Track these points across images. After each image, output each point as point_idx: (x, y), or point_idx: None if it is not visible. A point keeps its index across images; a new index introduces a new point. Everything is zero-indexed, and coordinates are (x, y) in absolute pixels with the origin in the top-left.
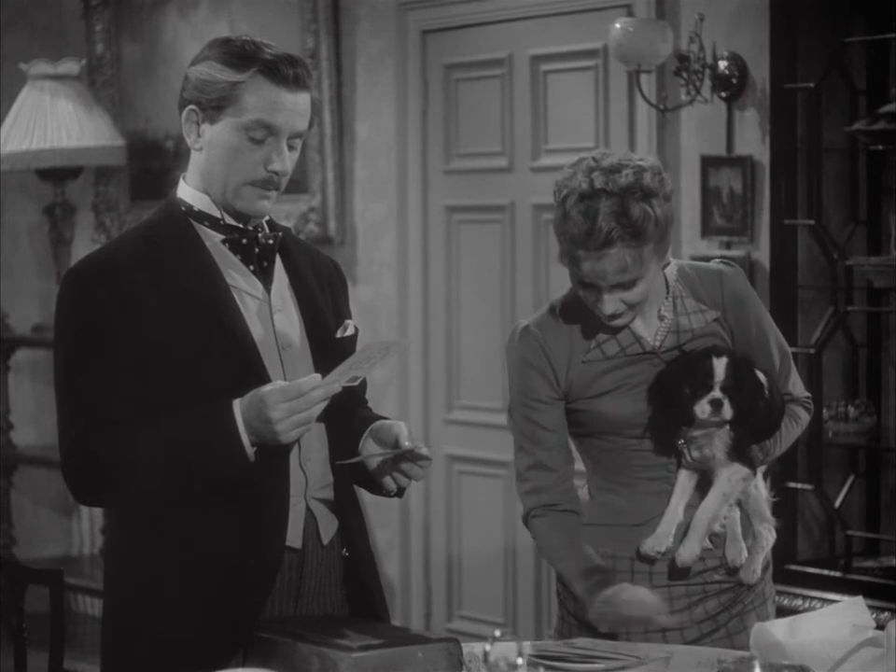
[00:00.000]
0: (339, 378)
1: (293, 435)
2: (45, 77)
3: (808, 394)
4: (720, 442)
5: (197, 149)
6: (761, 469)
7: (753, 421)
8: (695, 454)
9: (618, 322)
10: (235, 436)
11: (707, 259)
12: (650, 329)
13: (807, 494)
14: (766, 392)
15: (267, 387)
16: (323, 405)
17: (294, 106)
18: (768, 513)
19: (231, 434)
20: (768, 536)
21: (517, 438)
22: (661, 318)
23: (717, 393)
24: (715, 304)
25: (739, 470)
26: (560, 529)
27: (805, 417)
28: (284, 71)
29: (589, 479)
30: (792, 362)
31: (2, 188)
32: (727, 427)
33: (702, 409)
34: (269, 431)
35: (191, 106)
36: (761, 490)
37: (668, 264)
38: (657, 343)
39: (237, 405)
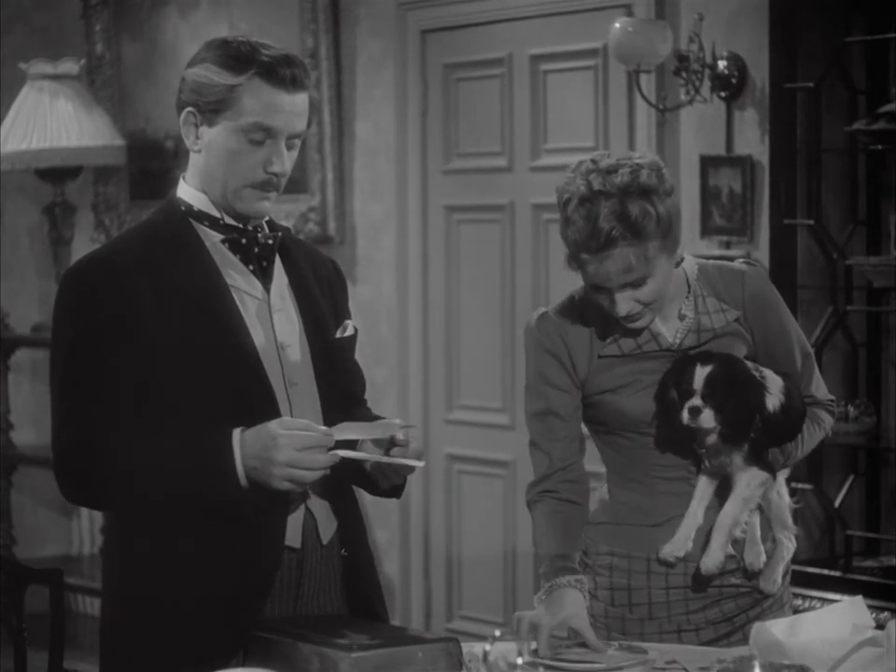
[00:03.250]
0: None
1: (286, 486)
2: (44, 77)
3: (832, 397)
4: (738, 448)
5: (196, 151)
6: (783, 474)
7: (772, 425)
8: (713, 459)
9: (636, 324)
10: (231, 472)
11: (708, 258)
12: (669, 328)
13: (807, 494)
14: (783, 399)
15: (279, 428)
16: (324, 471)
17: (292, 108)
18: (790, 521)
19: (227, 471)
20: (789, 545)
21: (528, 425)
22: (681, 318)
23: (696, 401)
24: (735, 304)
25: (758, 475)
26: (549, 515)
27: (828, 420)
28: (281, 73)
29: (608, 478)
30: (815, 365)
31: (2, 188)
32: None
33: (683, 415)
34: (266, 472)
35: (189, 109)
36: (783, 496)
37: (683, 260)
38: (676, 342)
39: (237, 437)
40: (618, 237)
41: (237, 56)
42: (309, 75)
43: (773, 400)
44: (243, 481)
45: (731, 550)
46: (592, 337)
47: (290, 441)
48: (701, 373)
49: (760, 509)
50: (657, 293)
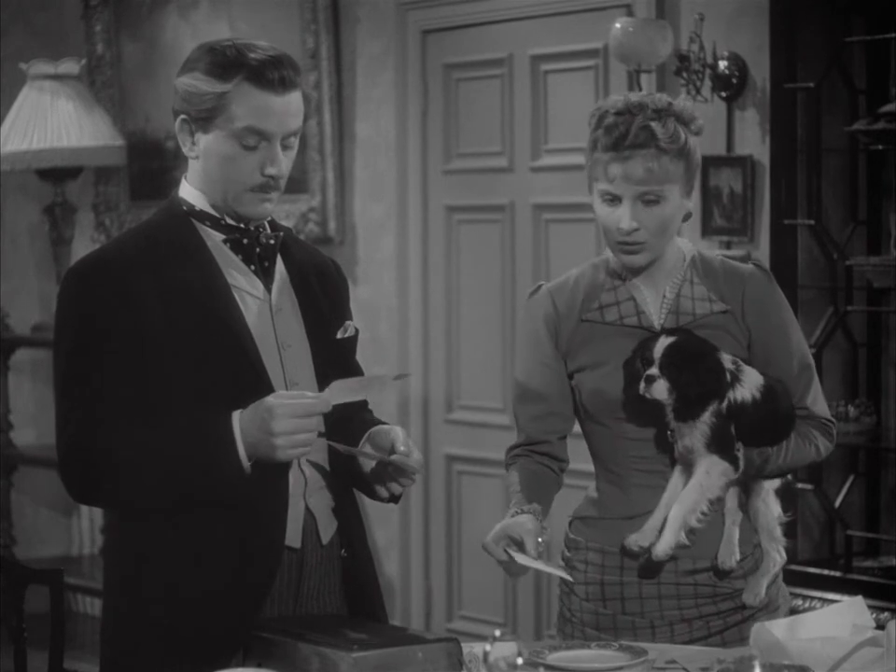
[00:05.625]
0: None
1: (290, 454)
2: (45, 77)
3: (832, 418)
4: (699, 434)
5: (193, 157)
6: (772, 484)
7: (742, 420)
8: (680, 446)
9: (634, 258)
10: (233, 451)
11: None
12: (654, 307)
13: (807, 494)
14: (756, 396)
15: (274, 399)
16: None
17: (284, 108)
18: (778, 532)
19: (229, 450)
20: (776, 557)
21: (512, 398)
22: (663, 297)
23: (653, 370)
24: (733, 302)
25: (718, 463)
26: (520, 471)
27: (822, 440)
28: (269, 76)
29: (595, 472)
30: (816, 380)
31: (2, 188)
32: (709, 416)
33: (641, 384)
34: (268, 444)
35: (182, 116)
36: (770, 506)
37: (689, 216)
38: (658, 322)
39: (236, 418)
40: (649, 139)
41: (224, 63)
42: (299, 71)
43: (743, 393)
44: (245, 461)
45: (684, 539)
46: (581, 303)
47: (286, 411)
48: (662, 344)
49: (746, 513)
50: (663, 225)
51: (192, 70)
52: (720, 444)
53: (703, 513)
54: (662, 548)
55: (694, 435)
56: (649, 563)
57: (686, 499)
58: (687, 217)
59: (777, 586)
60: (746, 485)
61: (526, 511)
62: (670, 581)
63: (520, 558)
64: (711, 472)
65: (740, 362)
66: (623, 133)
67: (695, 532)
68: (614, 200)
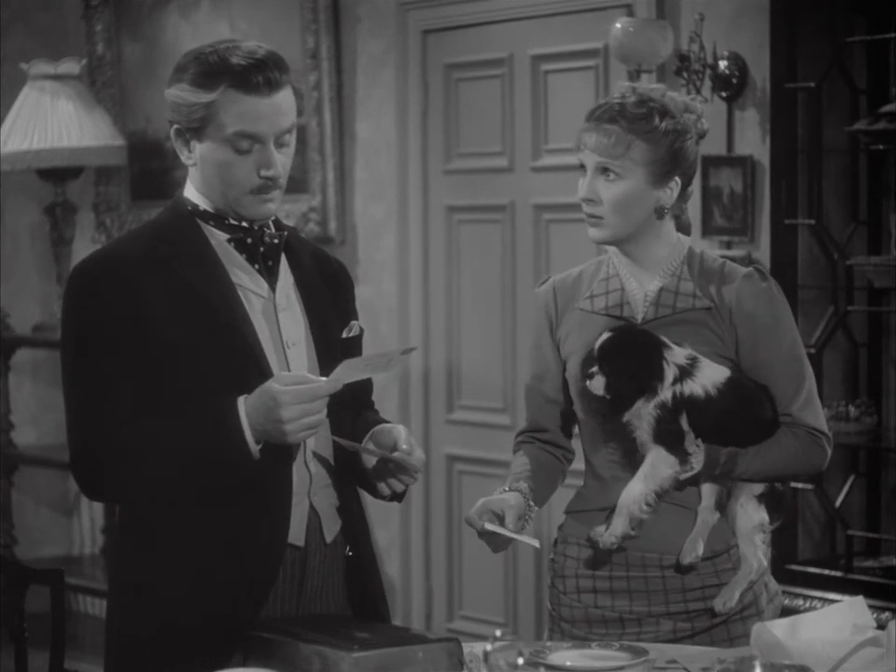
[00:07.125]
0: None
1: (301, 437)
2: (45, 77)
3: (823, 429)
4: (646, 425)
5: (191, 165)
6: (755, 492)
7: (694, 414)
8: (636, 437)
9: (594, 231)
10: (239, 434)
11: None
12: (639, 297)
13: (807, 493)
14: (711, 392)
15: (278, 386)
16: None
17: (273, 109)
18: (759, 539)
19: (235, 433)
20: (754, 563)
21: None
22: (648, 289)
23: (594, 367)
24: (723, 302)
25: (665, 457)
26: (523, 455)
27: (806, 451)
28: (254, 80)
29: (585, 470)
30: (808, 389)
31: (2, 188)
32: (653, 409)
33: (586, 379)
34: (278, 431)
35: (176, 126)
36: (749, 513)
37: (679, 206)
38: (641, 314)
39: (241, 403)
40: (616, 116)
41: (208, 72)
42: (287, 68)
43: (692, 387)
44: (252, 445)
45: (629, 530)
46: (578, 294)
47: (291, 398)
48: (601, 339)
49: (724, 515)
50: (619, 203)
51: (179, 81)
52: (665, 437)
53: (647, 504)
54: (606, 537)
55: (643, 427)
56: (595, 553)
57: (630, 491)
58: (660, 211)
59: (755, 592)
60: (728, 487)
61: (514, 489)
62: (639, 574)
63: (490, 526)
64: (657, 465)
65: (700, 358)
66: (598, 107)
67: (643, 524)
68: (584, 171)
